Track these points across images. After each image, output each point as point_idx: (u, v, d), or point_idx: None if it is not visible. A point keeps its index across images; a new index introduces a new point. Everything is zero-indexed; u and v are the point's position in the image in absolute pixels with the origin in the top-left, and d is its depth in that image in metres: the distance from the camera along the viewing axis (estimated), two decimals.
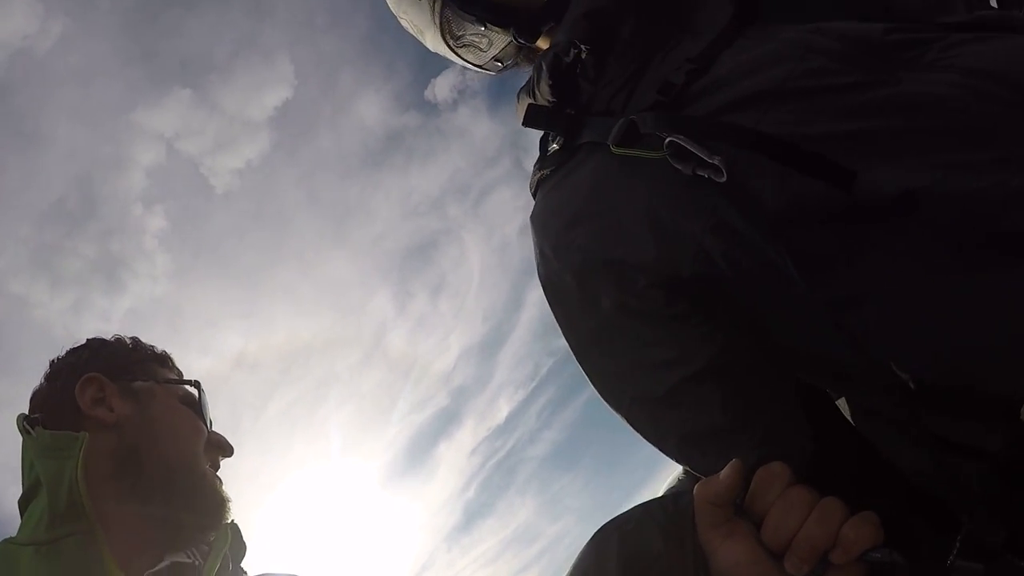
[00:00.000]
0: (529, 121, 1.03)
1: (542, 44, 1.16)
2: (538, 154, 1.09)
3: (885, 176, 0.77)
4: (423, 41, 1.27)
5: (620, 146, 0.92)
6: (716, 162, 0.82)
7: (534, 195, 1.10)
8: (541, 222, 1.03)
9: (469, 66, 1.27)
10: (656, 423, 0.93)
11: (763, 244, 0.81)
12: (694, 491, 0.78)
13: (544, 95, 1.04)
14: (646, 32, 1.01)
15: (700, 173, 0.84)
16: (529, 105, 1.04)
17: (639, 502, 0.88)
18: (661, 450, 0.94)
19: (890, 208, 0.76)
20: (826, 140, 0.81)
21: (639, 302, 0.92)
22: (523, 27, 1.15)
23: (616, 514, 0.85)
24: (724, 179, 0.82)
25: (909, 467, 0.84)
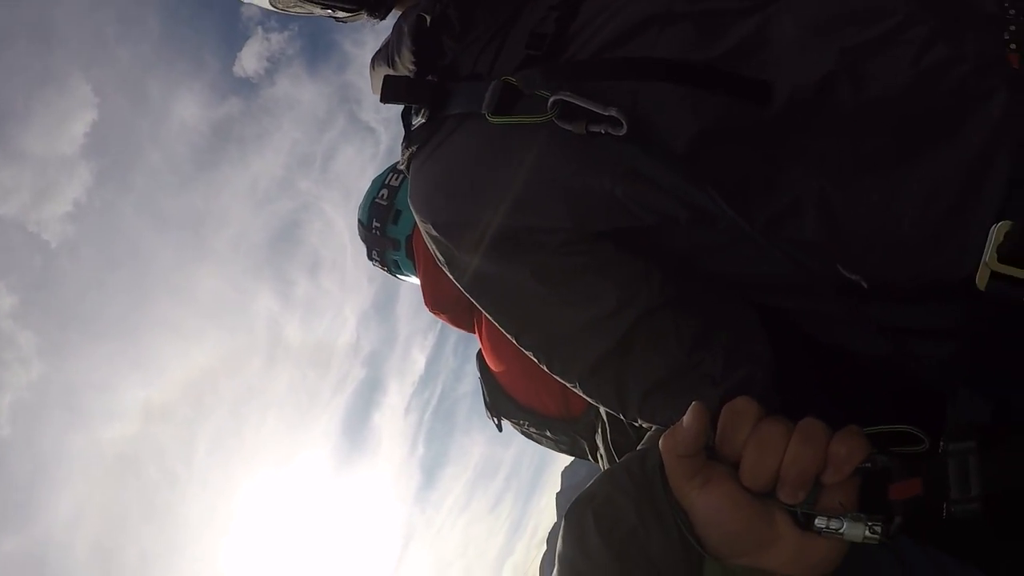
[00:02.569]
0: (388, 95, 0.92)
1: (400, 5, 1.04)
2: (403, 131, 0.98)
3: (795, 73, 0.73)
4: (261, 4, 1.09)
5: (498, 114, 0.82)
6: (612, 113, 0.74)
7: (406, 173, 1.00)
8: (422, 200, 0.93)
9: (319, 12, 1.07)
10: (617, 381, 0.87)
11: (681, 183, 0.75)
12: (659, 445, 0.72)
13: (405, 63, 0.94)
14: None
15: (595, 130, 0.76)
16: (386, 77, 0.92)
17: None
18: (626, 414, 0.88)
19: (806, 105, 0.72)
20: (728, 56, 0.76)
21: (561, 261, 0.85)
22: (373, 5, 1.02)
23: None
24: (624, 130, 0.75)
25: (879, 364, 0.79)
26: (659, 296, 0.84)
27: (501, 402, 1.73)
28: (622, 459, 0.79)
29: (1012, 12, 0.72)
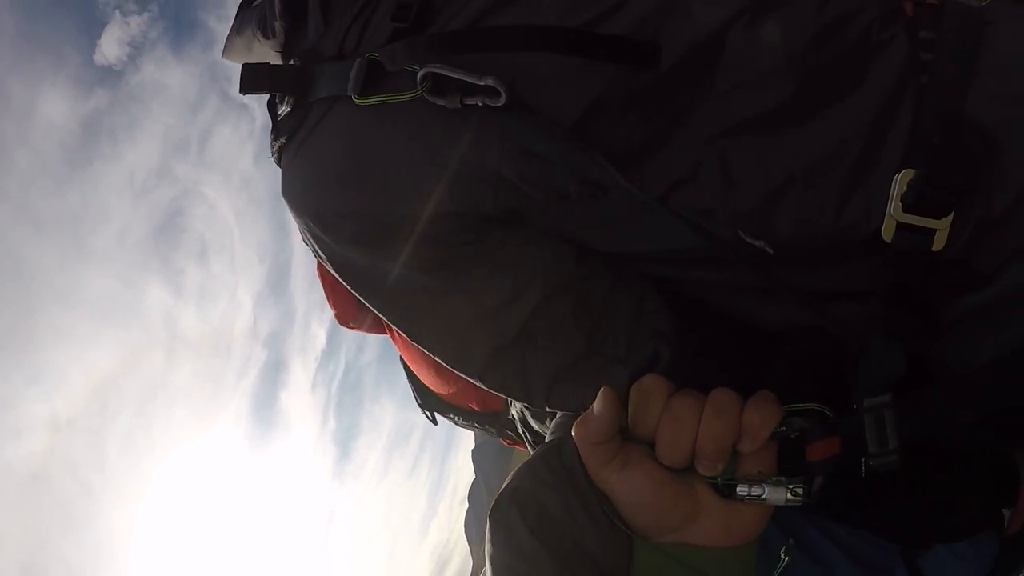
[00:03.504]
0: (248, 86, 0.82)
1: None
2: (269, 119, 0.88)
3: (687, 28, 0.69)
4: None
5: (364, 95, 0.75)
6: (489, 83, 0.68)
7: (279, 164, 0.90)
8: (295, 198, 0.84)
9: None
10: (520, 372, 0.81)
11: (570, 156, 0.70)
12: (573, 434, 0.68)
13: (275, 41, 0.85)
14: None
15: (470, 102, 0.70)
16: (243, 67, 0.82)
17: None
18: (533, 402, 0.83)
19: (701, 63, 0.69)
20: (612, 17, 0.71)
21: (450, 251, 0.78)
22: None
23: None
24: (503, 100, 0.69)
25: (788, 328, 0.77)
26: (555, 281, 0.79)
27: (429, 399, 1.68)
28: (537, 451, 0.75)
29: None
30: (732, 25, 0.69)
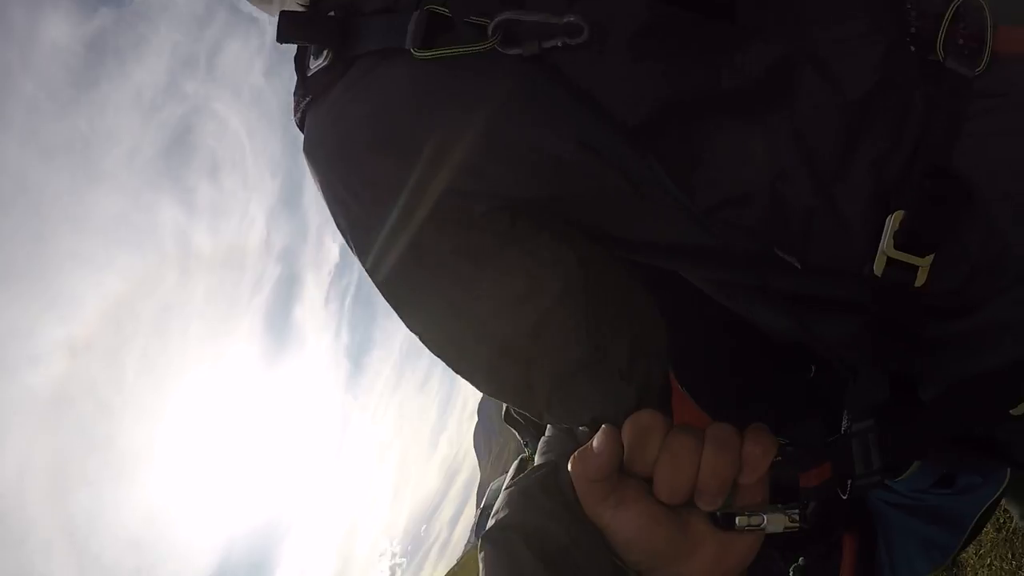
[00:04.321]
0: (286, 33, 0.77)
1: None
2: (296, 75, 0.82)
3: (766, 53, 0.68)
4: None
5: (425, 47, 0.70)
6: (571, 19, 0.66)
7: (301, 127, 0.83)
8: (327, 153, 0.77)
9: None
10: (524, 377, 0.79)
11: (626, 157, 0.69)
12: (570, 470, 0.69)
13: None
14: None
15: (549, 45, 0.67)
16: (282, 14, 0.77)
17: None
18: (532, 409, 0.82)
19: (772, 89, 0.69)
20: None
21: (479, 236, 0.74)
22: None
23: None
24: (585, 36, 0.66)
25: (783, 336, 0.80)
26: (575, 281, 0.77)
27: None
28: (529, 474, 0.76)
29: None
30: (798, 61, 0.69)
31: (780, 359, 0.83)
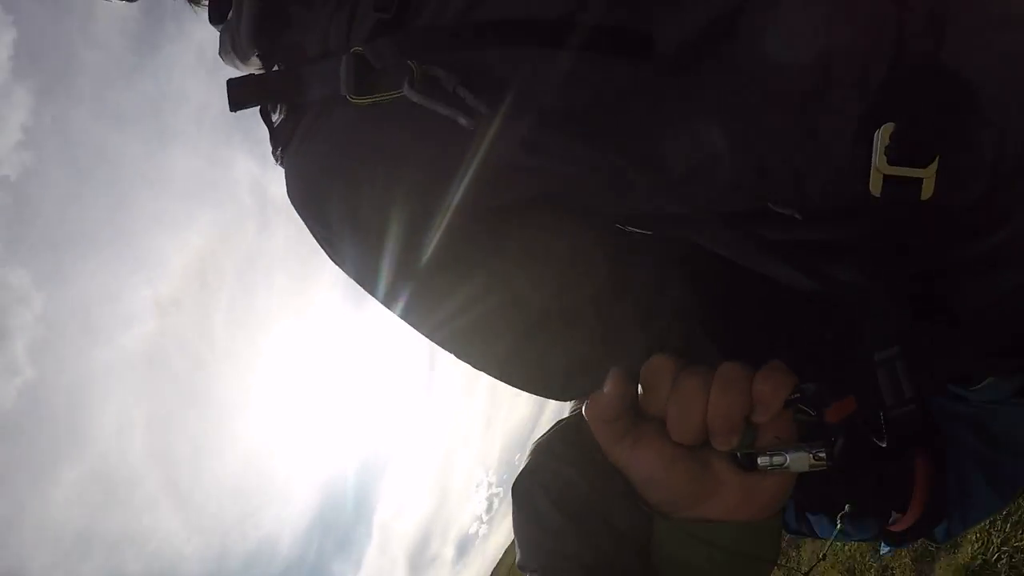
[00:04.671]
0: (238, 102, 0.78)
1: None
2: (267, 130, 0.85)
3: (681, 19, 0.66)
4: None
5: (360, 95, 0.72)
6: (480, 82, 0.66)
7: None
8: (298, 202, 0.81)
9: None
10: (542, 361, 0.81)
11: (577, 150, 0.68)
12: (584, 415, 0.69)
13: (245, 54, 0.82)
14: None
15: (467, 103, 0.67)
16: (228, 83, 0.79)
17: None
18: (551, 393, 0.84)
19: (700, 53, 0.66)
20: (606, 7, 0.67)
21: (472, 246, 0.77)
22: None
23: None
24: (485, 108, 0.66)
25: (804, 288, 0.77)
26: (577, 265, 0.78)
27: None
28: (552, 429, 0.76)
29: None
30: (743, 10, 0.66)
31: (809, 311, 0.80)
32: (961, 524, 0.94)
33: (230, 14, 0.83)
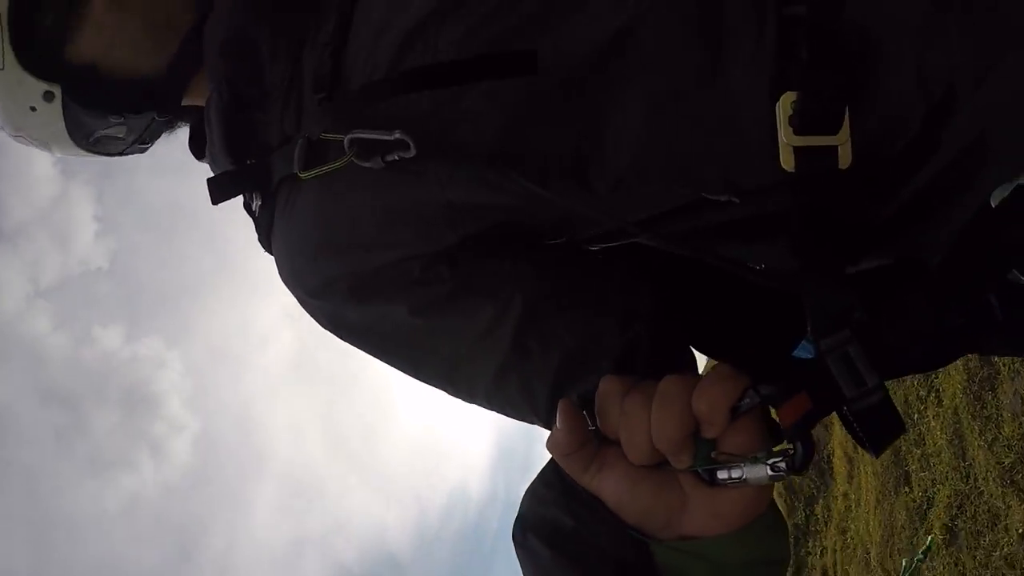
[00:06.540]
0: (218, 197, 0.87)
1: (194, 99, 0.97)
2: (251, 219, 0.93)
3: (577, 30, 0.69)
4: (52, 151, 1.05)
5: (307, 170, 0.78)
6: (397, 136, 0.71)
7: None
8: (287, 279, 0.88)
9: (112, 157, 1.09)
10: (523, 386, 0.81)
11: (502, 178, 0.72)
12: (547, 448, 0.69)
13: (221, 158, 0.87)
14: (282, 30, 0.84)
15: (390, 159, 0.73)
16: (208, 181, 0.87)
17: None
18: (539, 416, 0.82)
19: (594, 60, 0.69)
20: (502, 38, 0.71)
21: (429, 289, 0.79)
22: (160, 102, 0.97)
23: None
24: (413, 152, 0.71)
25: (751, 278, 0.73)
26: (534, 289, 0.78)
27: None
28: (539, 474, 0.76)
29: None
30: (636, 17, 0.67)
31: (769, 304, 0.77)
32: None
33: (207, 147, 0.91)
